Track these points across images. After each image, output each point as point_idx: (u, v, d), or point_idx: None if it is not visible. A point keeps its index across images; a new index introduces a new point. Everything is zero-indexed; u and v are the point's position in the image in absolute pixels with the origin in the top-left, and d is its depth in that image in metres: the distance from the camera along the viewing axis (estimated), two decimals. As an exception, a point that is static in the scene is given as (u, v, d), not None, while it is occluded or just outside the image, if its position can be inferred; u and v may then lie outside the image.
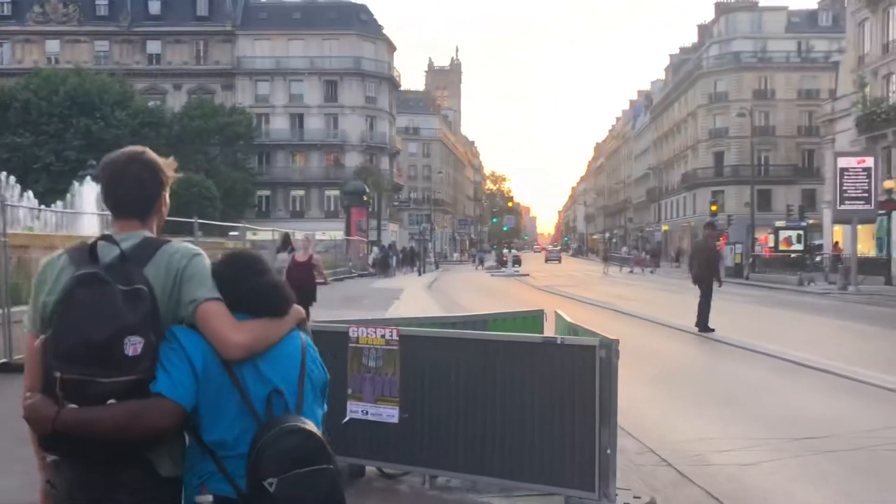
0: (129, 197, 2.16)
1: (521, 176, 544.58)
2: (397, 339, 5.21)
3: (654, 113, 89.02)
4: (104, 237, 2.08)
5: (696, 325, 14.33)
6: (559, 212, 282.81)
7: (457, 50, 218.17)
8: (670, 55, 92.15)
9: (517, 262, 52.11)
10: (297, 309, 2.24)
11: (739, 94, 64.93)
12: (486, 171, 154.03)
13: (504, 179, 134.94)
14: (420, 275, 45.12)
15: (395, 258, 50.77)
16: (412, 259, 55.64)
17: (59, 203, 19.45)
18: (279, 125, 65.35)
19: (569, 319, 6.26)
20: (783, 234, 39.94)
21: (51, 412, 1.91)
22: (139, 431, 1.96)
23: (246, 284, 2.14)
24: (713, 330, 14.16)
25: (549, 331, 6.60)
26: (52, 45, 63.01)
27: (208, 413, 2.06)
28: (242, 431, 2.05)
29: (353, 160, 64.67)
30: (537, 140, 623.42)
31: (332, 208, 65.07)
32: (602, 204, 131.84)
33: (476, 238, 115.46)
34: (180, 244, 2.15)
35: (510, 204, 45.98)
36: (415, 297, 23.70)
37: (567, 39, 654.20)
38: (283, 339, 2.15)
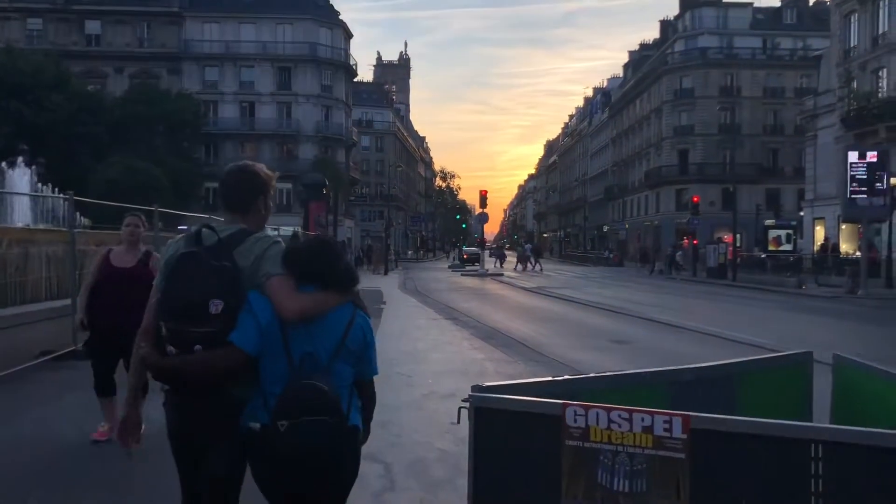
0: (233, 199, 2.90)
1: (466, 174, 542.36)
2: (685, 436, 2.53)
3: (614, 110, 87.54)
4: (207, 226, 2.77)
5: None
6: (504, 210, 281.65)
7: (405, 45, 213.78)
8: (629, 52, 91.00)
9: (477, 259, 49.48)
10: (351, 291, 2.79)
11: (706, 91, 63.63)
12: (436, 168, 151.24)
13: (455, 176, 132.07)
14: (385, 274, 42.24)
15: (351, 256, 47.90)
16: (370, 257, 52.88)
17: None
18: (228, 113, 61.48)
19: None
20: (772, 234, 38.23)
21: (156, 359, 2.64)
22: (217, 370, 2.61)
23: (320, 262, 2.72)
24: None
25: (823, 388, 4.01)
26: (-21, 22, 58.03)
27: (266, 360, 2.64)
28: (282, 378, 2.58)
29: (307, 152, 61.31)
30: (481, 138, 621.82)
31: (285, 202, 61.53)
32: (555, 202, 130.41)
33: (428, 235, 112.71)
34: (265, 235, 2.82)
35: (483, 193, 42.75)
36: (400, 302, 20.94)
37: (512, 38, 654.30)
38: (335, 311, 2.69)
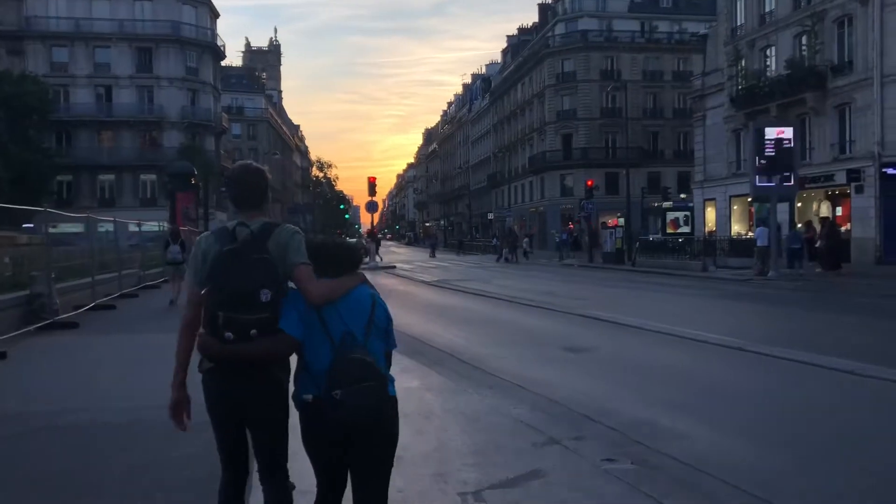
0: (251, 197, 3.26)
1: (342, 164, 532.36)
2: None
3: (494, 96, 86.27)
4: (240, 223, 3.17)
5: None
6: (383, 199, 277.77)
7: (275, 31, 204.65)
8: (508, 36, 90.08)
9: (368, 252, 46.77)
10: (359, 273, 3.24)
11: (587, 75, 63.05)
12: (312, 158, 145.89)
13: (331, 166, 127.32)
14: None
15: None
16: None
17: None
18: (82, 98, 55.68)
19: None
20: (670, 216, 37.43)
21: (216, 345, 3.01)
22: (273, 356, 3.08)
23: (329, 251, 3.23)
24: None
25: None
26: None
27: (309, 342, 3.07)
28: (324, 355, 3.01)
29: (172, 139, 56.44)
30: (356, 127, 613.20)
31: (149, 195, 56.62)
32: (437, 191, 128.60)
33: (305, 227, 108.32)
34: (286, 226, 3.22)
35: (372, 180, 39.65)
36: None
37: (385, 29, 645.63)
38: (357, 294, 3.14)
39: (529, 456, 5.47)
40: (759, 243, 26.18)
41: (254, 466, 3.42)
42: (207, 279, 3.06)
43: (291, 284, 3.15)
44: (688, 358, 9.74)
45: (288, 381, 3.18)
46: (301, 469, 3.40)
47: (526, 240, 51.32)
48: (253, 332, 2.95)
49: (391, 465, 3.19)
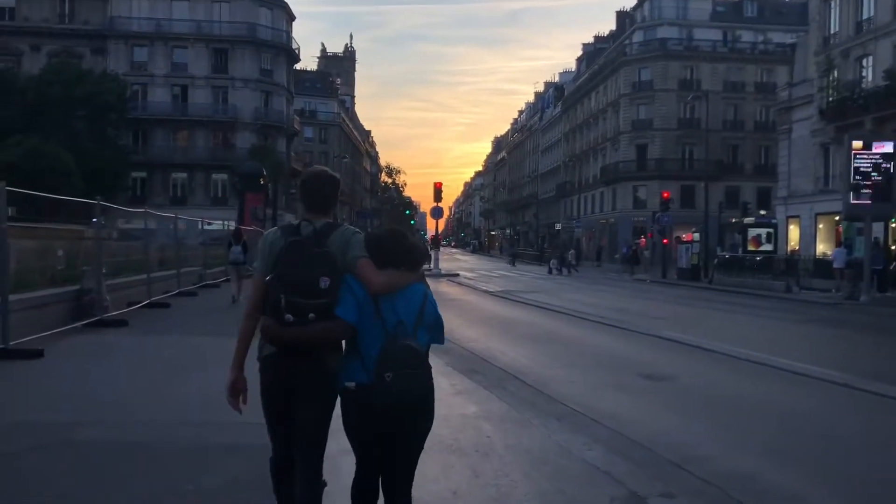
0: (321, 201, 3.53)
1: (411, 170, 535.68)
2: None
3: (567, 104, 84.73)
4: (305, 220, 3.44)
5: None
6: (450, 207, 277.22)
7: (351, 37, 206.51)
8: (583, 44, 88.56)
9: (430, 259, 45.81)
10: (419, 272, 3.41)
11: (665, 84, 61.10)
12: (381, 163, 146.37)
13: (400, 172, 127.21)
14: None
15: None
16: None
17: None
18: (159, 97, 56.55)
19: None
20: (752, 233, 35.54)
21: (277, 328, 3.19)
22: (330, 339, 3.28)
23: (394, 248, 3.35)
24: None
25: None
26: None
27: (363, 328, 3.21)
28: (376, 340, 3.16)
29: (245, 140, 56.76)
30: (427, 134, 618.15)
31: (220, 194, 57.13)
32: (503, 199, 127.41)
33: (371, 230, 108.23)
34: (347, 226, 3.46)
35: (438, 186, 38.89)
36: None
37: (458, 40, 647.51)
38: (411, 288, 3.30)
39: (608, 517, 4.46)
40: (835, 265, 24.98)
41: None
42: (272, 267, 3.26)
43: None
44: (786, 393, 8.53)
45: (336, 373, 3.31)
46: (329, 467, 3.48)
47: (571, 252, 49.21)
48: (311, 315, 3.14)
49: (421, 451, 3.34)
